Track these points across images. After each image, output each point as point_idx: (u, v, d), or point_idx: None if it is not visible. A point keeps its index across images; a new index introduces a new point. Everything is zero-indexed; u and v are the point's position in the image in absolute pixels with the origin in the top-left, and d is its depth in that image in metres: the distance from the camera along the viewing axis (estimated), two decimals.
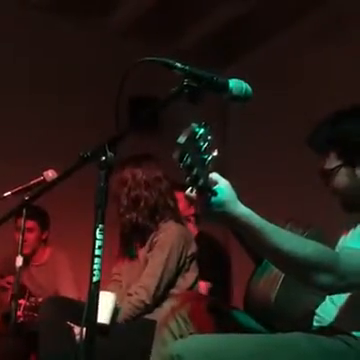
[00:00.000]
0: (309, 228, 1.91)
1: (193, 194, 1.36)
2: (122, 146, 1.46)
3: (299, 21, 4.65)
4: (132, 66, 1.40)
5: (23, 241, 2.85)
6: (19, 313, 3.24)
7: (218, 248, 3.82)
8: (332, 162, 1.75)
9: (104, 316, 2.38)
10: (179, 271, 2.67)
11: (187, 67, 1.42)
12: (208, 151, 1.34)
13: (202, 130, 1.34)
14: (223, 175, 1.42)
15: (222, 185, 1.40)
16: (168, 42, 4.85)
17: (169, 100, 1.44)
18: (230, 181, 1.44)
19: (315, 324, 1.77)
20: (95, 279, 1.37)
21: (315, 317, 1.78)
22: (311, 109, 3.73)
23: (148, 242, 2.71)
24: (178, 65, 1.42)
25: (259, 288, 1.88)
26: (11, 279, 3.50)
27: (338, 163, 1.74)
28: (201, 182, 1.32)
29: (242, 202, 1.44)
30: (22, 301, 3.31)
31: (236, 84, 1.47)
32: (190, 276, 2.72)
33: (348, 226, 1.80)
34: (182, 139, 1.31)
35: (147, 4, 4.58)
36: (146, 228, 2.70)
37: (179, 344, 1.61)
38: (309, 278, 1.49)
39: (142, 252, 2.73)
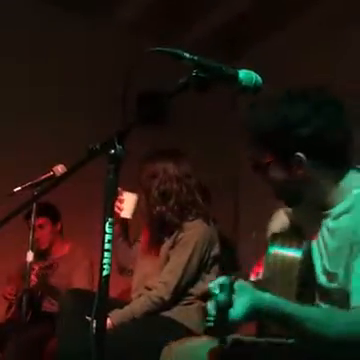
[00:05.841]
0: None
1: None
2: (129, 140, 1.45)
3: (308, 13, 4.60)
4: (140, 56, 1.38)
5: (34, 237, 2.87)
6: (32, 277, 3.27)
7: (225, 242, 3.80)
8: (265, 156, 1.64)
9: (128, 212, 2.82)
10: (200, 270, 2.63)
11: (196, 57, 1.40)
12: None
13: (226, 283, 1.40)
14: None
15: (239, 297, 1.39)
16: (174, 37, 4.81)
17: (177, 91, 1.42)
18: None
19: None
20: (105, 273, 1.36)
21: None
22: None
23: (172, 238, 2.66)
24: (187, 55, 1.39)
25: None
26: (11, 290, 3.61)
27: (271, 158, 1.62)
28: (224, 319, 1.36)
29: None
30: (35, 266, 3.34)
31: (246, 74, 1.44)
32: (210, 279, 2.59)
33: (311, 228, 1.70)
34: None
35: None
36: (172, 223, 2.65)
37: None
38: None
39: (164, 248, 2.69)
